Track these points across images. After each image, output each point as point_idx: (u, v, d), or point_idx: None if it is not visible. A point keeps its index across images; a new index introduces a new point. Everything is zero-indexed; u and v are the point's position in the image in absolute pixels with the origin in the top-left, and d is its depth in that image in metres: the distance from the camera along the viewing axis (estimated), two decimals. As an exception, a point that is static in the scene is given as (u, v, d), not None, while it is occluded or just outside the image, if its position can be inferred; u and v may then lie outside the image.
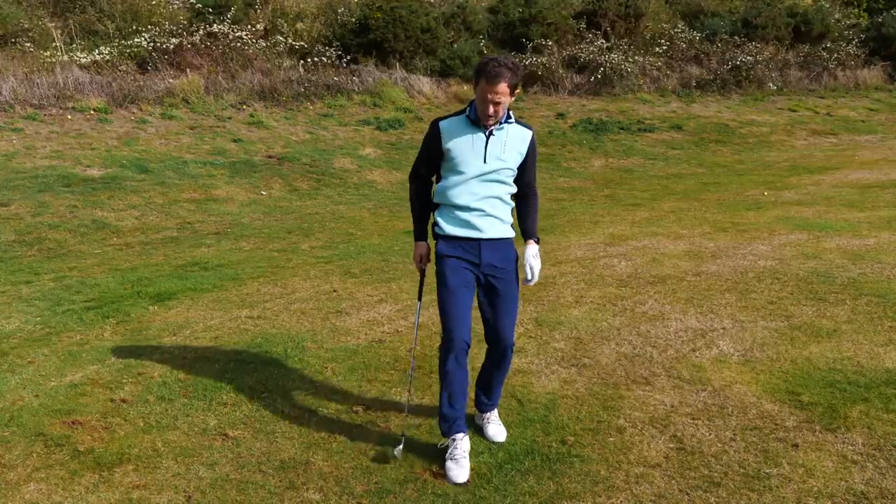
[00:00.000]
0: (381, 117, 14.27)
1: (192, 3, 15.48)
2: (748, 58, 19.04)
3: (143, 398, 4.04)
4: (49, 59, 12.95)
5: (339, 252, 7.44)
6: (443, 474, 3.20)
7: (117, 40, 14.14)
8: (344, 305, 5.57)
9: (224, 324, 5.25)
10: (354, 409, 3.85)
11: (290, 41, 15.50)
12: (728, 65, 18.98)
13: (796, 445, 3.32)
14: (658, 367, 4.21)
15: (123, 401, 4.02)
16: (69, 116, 11.93)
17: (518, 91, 3.13)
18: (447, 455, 3.27)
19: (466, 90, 16.01)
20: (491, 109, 3.06)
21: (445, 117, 3.25)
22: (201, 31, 14.44)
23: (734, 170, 12.76)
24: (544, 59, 16.97)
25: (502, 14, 18.06)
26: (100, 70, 13.28)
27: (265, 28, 15.60)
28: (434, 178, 3.39)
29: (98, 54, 13.53)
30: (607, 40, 18.16)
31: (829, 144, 15.69)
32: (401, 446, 3.33)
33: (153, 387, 4.19)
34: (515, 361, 4.37)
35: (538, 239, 3.40)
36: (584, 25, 18.70)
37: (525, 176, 3.31)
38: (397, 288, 5.95)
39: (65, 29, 14.41)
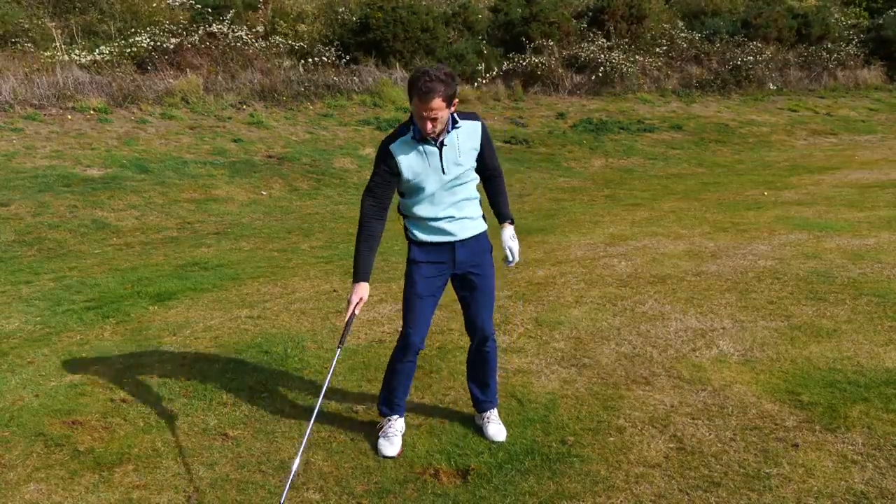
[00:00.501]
0: (381, 117, 14.27)
1: (191, 3, 15.48)
2: (748, 58, 19.04)
3: (143, 398, 4.04)
4: (49, 59, 12.95)
5: (339, 252, 7.44)
6: (439, 474, 3.21)
7: (117, 40, 14.14)
8: (344, 305, 5.57)
9: (224, 324, 5.25)
10: (354, 409, 3.85)
11: (290, 41, 15.49)
12: (728, 65, 18.99)
13: (796, 445, 3.32)
14: (658, 367, 4.21)
15: (123, 401, 4.02)
16: (69, 116, 11.93)
17: (456, 101, 3.03)
18: (381, 433, 3.45)
19: (467, 90, 16.02)
20: (429, 126, 2.99)
21: (392, 138, 3.13)
22: (201, 31, 14.44)
23: (734, 170, 12.77)
24: (544, 59, 16.97)
25: (503, 13, 18.06)
26: (100, 70, 13.28)
27: (265, 28, 15.60)
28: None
29: (98, 54, 13.53)
30: (609, 40, 18.16)
31: (829, 144, 15.69)
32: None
33: (153, 387, 4.19)
34: (515, 361, 4.37)
35: (512, 219, 3.42)
36: (585, 25, 18.70)
37: (487, 162, 3.27)
38: (397, 288, 5.95)
39: (65, 29, 14.41)
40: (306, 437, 3.10)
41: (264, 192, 10.43)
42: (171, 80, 13.48)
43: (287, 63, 15.13)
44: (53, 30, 13.99)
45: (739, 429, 3.49)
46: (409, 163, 3.11)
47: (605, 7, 18.63)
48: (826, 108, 18.60)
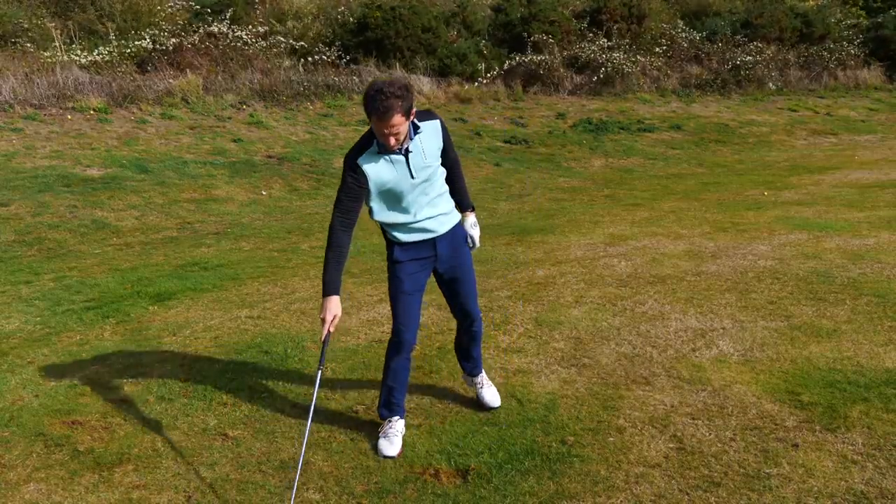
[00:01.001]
0: (381, 117, 14.25)
1: (191, 4, 15.48)
2: (748, 58, 19.04)
3: (143, 398, 4.04)
4: (49, 60, 12.95)
5: (339, 252, 7.43)
6: (439, 474, 3.21)
7: (117, 40, 14.13)
8: (344, 305, 5.56)
9: (224, 324, 5.25)
10: (354, 409, 3.86)
11: (290, 41, 15.49)
12: (728, 65, 18.98)
13: (796, 445, 3.32)
14: (658, 367, 4.21)
15: (123, 401, 4.02)
16: (69, 116, 11.93)
17: (414, 111, 3.06)
18: (381, 433, 3.48)
19: (467, 89, 16.02)
20: (392, 141, 3.02)
21: (357, 153, 3.13)
22: (201, 31, 14.44)
23: (734, 170, 12.77)
24: (545, 58, 16.96)
25: (503, 13, 18.06)
26: (100, 70, 13.28)
27: (265, 28, 15.59)
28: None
29: (98, 54, 13.53)
30: (609, 40, 18.16)
31: (829, 144, 15.69)
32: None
33: (153, 387, 4.19)
34: (515, 361, 4.37)
35: (473, 207, 3.56)
36: (585, 25, 18.70)
37: (448, 155, 3.33)
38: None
39: (65, 29, 14.41)
40: (304, 445, 3.10)
41: (264, 192, 10.43)
42: (170, 80, 13.48)
43: (287, 63, 15.13)
44: (53, 30, 13.99)
45: (739, 429, 3.49)
46: (378, 173, 3.12)
47: (603, 7, 18.62)
48: (826, 108, 18.60)
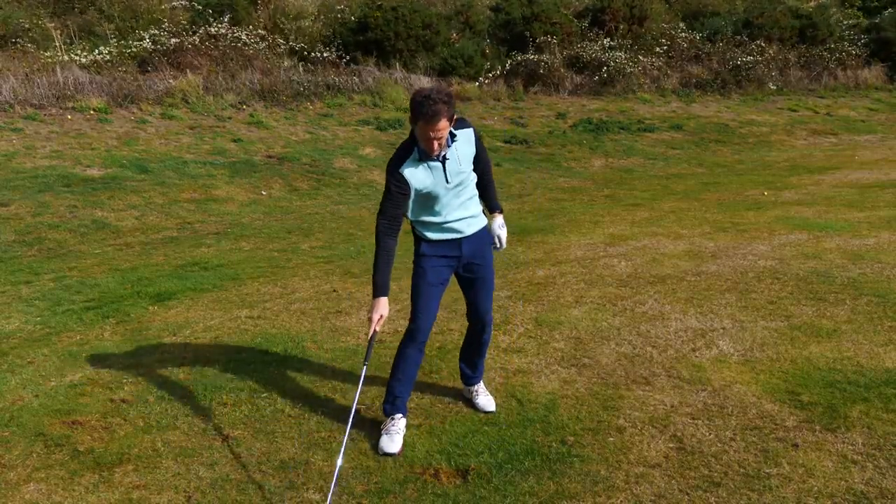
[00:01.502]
0: (381, 117, 14.27)
1: (192, 3, 15.48)
2: (749, 58, 19.04)
3: (143, 398, 4.04)
4: (49, 60, 12.95)
5: (339, 252, 7.44)
6: (439, 474, 3.21)
7: (117, 40, 14.13)
8: (344, 305, 5.57)
9: (224, 324, 5.25)
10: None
11: (291, 41, 15.49)
12: (728, 65, 18.98)
13: (796, 445, 3.32)
14: (658, 367, 4.21)
15: (123, 401, 4.02)
16: (69, 116, 11.93)
17: (455, 116, 3.24)
18: (384, 430, 3.52)
19: (468, 89, 16.01)
20: (435, 145, 3.20)
21: (400, 161, 3.28)
22: (201, 31, 14.44)
23: (734, 170, 12.76)
24: (546, 58, 16.95)
25: (504, 13, 18.05)
26: (100, 70, 13.28)
27: (266, 28, 15.59)
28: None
29: (98, 54, 13.52)
30: (611, 40, 18.16)
31: (829, 144, 15.69)
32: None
33: (153, 387, 4.19)
34: (515, 361, 4.38)
35: (501, 209, 3.72)
36: (586, 24, 18.69)
37: (480, 161, 3.50)
38: (397, 288, 5.93)
39: (65, 29, 14.41)
40: (344, 443, 3.16)
41: (264, 192, 10.43)
42: (171, 81, 13.47)
43: (287, 63, 15.12)
44: (53, 30, 13.99)
45: (739, 429, 3.49)
46: (419, 180, 3.31)
47: (606, 7, 18.61)
48: (826, 108, 18.59)
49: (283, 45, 15.35)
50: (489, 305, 3.68)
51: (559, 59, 17.29)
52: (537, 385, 4.05)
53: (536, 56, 16.89)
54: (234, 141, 12.11)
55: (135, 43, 13.96)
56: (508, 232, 3.84)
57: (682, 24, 19.97)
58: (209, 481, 3.23)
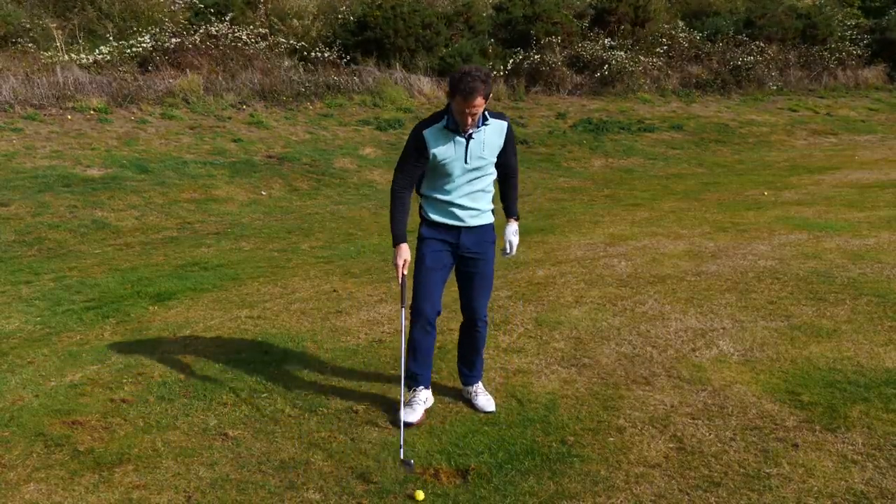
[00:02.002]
0: (381, 117, 14.26)
1: (192, 3, 15.48)
2: (749, 58, 19.03)
3: (143, 398, 4.04)
4: (49, 60, 12.95)
5: (339, 252, 7.44)
6: (439, 474, 3.21)
7: (117, 40, 14.13)
8: (344, 305, 5.57)
9: (224, 324, 5.25)
10: (354, 409, 3.86)
11: (291, 41, 15.49)
12: (729, 65, 18.97)
13: (796, 445, 3.32)
14: (658, 367, 4.21)
15: (123, 401, 4.02)
16: (69, 116, 11.93)
17: (490, 94, 3.32)
18: (405, 402, 3.62)
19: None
20: (469, 121, 3.32)
21: (426, 124, 3.42)
22: (201, 31, 14.44)
23: (734, 170, 12.76)
24: (547, 58, 16.95)
25: (505, 12, 18.05)
26: (100, 70, 13.28)
27: (266, 28, 15.59)
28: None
29: (98, 54, 13.52)
30: (613, 40, 18.16)
31: (829, 144, 15.68)
32: (402, 454, 3.31)
33: (153, 387, 4.19)
34: (515, 361, 4.37)
35: (518, 217, 3.76)
36: (587, 25, 18.68)
37: (506, 160, 3.57)
38: (397, 287, 5.95)
39: (65, 29, 14.41)
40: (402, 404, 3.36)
41: (264, 192, 10.43)
42: (171, 80, 13.47)
43: (287, 63, 15.12)
44: (54, 30, 13.99)
45: (739, 429, 3.49)
46: (439, 148, 3.40)
47: (613, 8, 18.59)
48: (826, 108, 18.59)
49: (284, 44, 15.35)
50: (484, 303, 3.71)
51: (560, 59, 17.28)
52: (537, 385, 4.05)
53: (537, 55, 16.89)
54: (235, 141, 12.11)
55: (135, 42, 13.96)
56: None
57: (682, 24, 19.96)
58: (209, 481, 3.23)
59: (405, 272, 3.50)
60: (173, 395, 4.08)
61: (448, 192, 3.50)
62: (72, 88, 12.42)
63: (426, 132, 3.39)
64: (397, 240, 3.49)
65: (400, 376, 3.59)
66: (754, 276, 5.81)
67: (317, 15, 16.81)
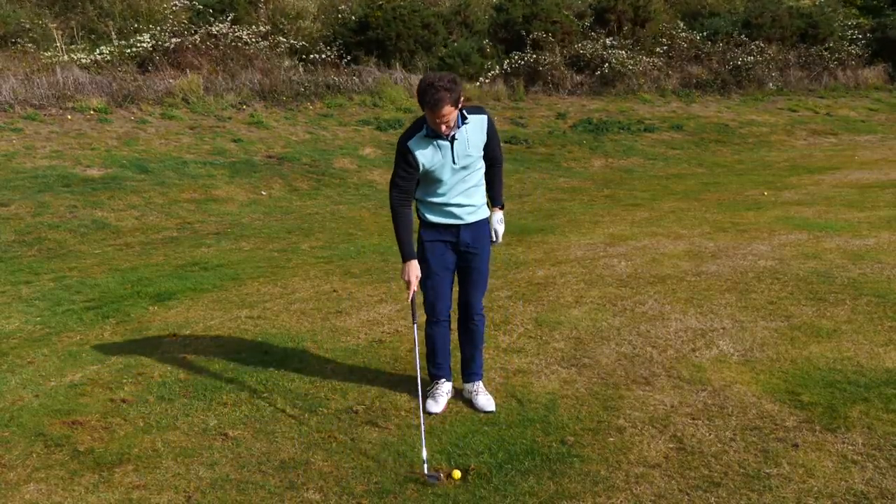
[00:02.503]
0: (381, 117, 14.26)
1: (192, 3, 15.47)
2: (749, 58, 19.03)
3: (143, 398, 4.04)
4: (49, 60, 12.94)
5: (339, 252, 7.44)
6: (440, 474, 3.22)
7: (117, 40, 14.13)
8: (344, 305, 5.57)
9: (224, 324, 5.26)
10: (354, 409, 3.86)
11: (291, 41, 15.49)
12: (728, 65, 18.97)
13: (796, 445, 3.32)
14: (658, 367, 4.21)
15: (123, 401, 4.02)
16: (69, 116, 11.93)
17: (462, 99, 3.37)
18: (428, 394, 3.80)
19: (469, 89, 16.00)
20: (443, 128, 3.37)
21: (409, 135, 3.47)
22: (202, 31, 14.44)
23: (734, 170, 12.76)
24: (546, 58, 16.94)
25: (505, 12, 18.04)
26: (100, 70, 13.28)
27: (266, 28, 15.58)
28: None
29: (98, 54, 13.52)
30: (612, 38, 18.15)
31: (829, 144, 15.68)
32: (425, 465, 3.30)
33: (153, 387, 4.19)
34: (515, 361, 4.37)
35: (503, 205, 3.84)
36: (587, 24, 18.68)
37: (491, 152, 3.63)
38: (397, 288, 5.95)
39: (66, 29, 14.41)
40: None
41: (264, 192, 10.43)
42: (171, 80, 13.47)
43: (287, 63, 15.12)
44: (55, 30, 13.99)
45: (739, 429, 3.49)
46: (425, 156, 3.45)
47: (612, 7, 18.58)
48: (826, 108, 18.58)
49: (284, 44, 15.34)
50: (480, 297, 3.80)
51: (559, 59, 17.28)
52: (537, 385, 4.05)
53: (536, 55, 16.88)
54: (235, 141, 12.11)
55: (136, 39, 13.95)
56: (508, 232, 3.90)
57: (682, 24, 19.95)
58: (209, 481, 3.23)
59: (416, 288, 3.57)
60: (173, 395, 4.08)
61: (443, 195, 3.56)
62: (72, 88, 12.42)
63: (410, 143, 3.44)
64: (406, 256, 3.55)
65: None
66: (754, 277, 5.81)
67: (317, 15, 16.80)
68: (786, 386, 3.90)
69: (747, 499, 2.96)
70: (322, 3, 17.18)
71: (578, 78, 17.57)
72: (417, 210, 3.67)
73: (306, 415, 3.80)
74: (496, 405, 3.80)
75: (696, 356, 4.34)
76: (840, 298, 5.18)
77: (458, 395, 3.95)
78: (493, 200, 3.80)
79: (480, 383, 3.89)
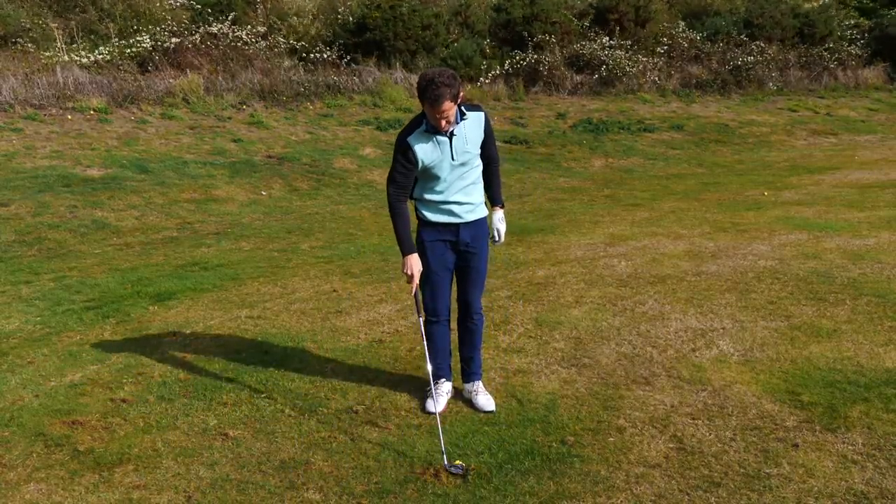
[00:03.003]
0: (381, 117, 14.26)
1: (192, 3, 15.47)
2: (749, 58, 19.03)
3: (143, 398, 4.05)
4: (49, 60, 12.94)
5: (339, 252, 7.44)
6: (440, 474, 3.21)
7: (118, 40, 14.13)
8: (344, 305, 5.57)
9: (224, 324, 5.26)
10: (354, 409, 3.86)
11: (291, 41, 15.49)
12: (729, 65, 18.97)
13: (796, 445, 3.32)
14: (658, 367, 4.21)
15: (123, 401, 4.02)
16: (69, 116, 11.93)
17: (462, 95, 3.40)
18: (427, 393, 3.81)
19: (469, 89, 16.00)
20: (443, 123, 3.40)
21: (408, 132, 3.50)
22: (202, 31, 14.43)
23: (734, 170, 12.76)
24: (546, 58, 16.94)
25: (504, 12, 18.04)
26: (100, 70, 13.28)
27: (265, 28, 15.58)
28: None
29: (98, 54, 13.52)
30: (611, 39, 18.16)
31: (829, 144, 15.68)
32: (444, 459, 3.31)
33: (153, 387, 4.19)
34: (515, 361, 4.37)
35: (503, 204, 3.85)
36: (587, 24, 18.67)
37: (487, 150, 3.65)
38: (397, 288, 5.95)
39: (66, 29, 14.41)
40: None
41: (264, 192, 10.43)
42: (171, 80, 13.47)
43: (287, 63, 15.12)
44: (55, 30, 13.98)
45: (739, 429, 3.49)
46: (424, 152, 3.47)
47: (613, 7, 18.58)
48: (826, 108, 18.58)
49: (284, 44, 15.34)
50: (478, 296, 3.81)
51: (559, 59, 17.27)
52: (537, 385, 4.05)
53: (536, 55, 16.88)
54: (234, 141, 12.11)
55: (136, 39, 13.95)
56: (508, 232, 3.89)
57: (682, 24, 19.95)
58: (209, 481, 3.23)
59: (417, 282, 3.59)
60: (173, 395, 4.08)
61: (441, 192, 3.57)
62: (72, 88, 12.42)
63: (410, 139, 3.46)
64: (406, 250, 3.57)
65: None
66: (754, 276, 5.81)
67: (316, 15, 16.80)
68: (786, 386, 3.90)
69: (747, 499, 2.96)
70: (321, 3, 17.17)
71: (578, 78, 17.57)
72: (416, 210, 3.68)
73: (306, 415, 3.80)
74: (496, 405, 3.80)
75: (696, 356, 4.34)
76: (840, 298, 5.18)
77: (459, 395, 3.95)
78: (493, 200, 3.81)
79: (480, 383, 3.89)
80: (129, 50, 13.85)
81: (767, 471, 3.13)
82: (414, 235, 3.66)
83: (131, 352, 4.75)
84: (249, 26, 15.18)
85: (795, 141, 15.90)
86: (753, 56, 19.16)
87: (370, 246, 7.69)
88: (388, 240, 7.92)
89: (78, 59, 13.22)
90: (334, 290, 5.99)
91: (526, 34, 17.23)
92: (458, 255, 3.71)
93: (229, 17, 15.03)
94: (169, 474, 3.29)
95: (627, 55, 17.72)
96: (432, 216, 3.63)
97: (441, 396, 3.83)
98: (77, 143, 10.95)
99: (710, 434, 3.46)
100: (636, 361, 4.30)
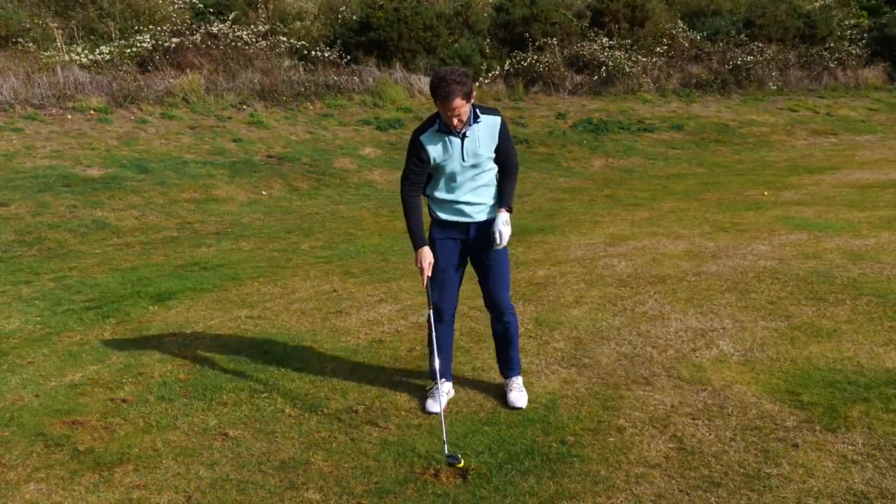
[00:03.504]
0: (382, 117, 14.26)
1: (192, 3, 15.47)
2: (749, 57, 19.03)
3: (143, 398, 4.05)
4: (49, 59, 12.94)
5: (339, 252, 7.44)
6: (440, 474, 3.21)
7: (118, 40, 14.13)
8: (344, 305, 5.57)
9: (224, 324, 5.26)
10: (354, 409, 3.86)
11: (291, 41, 15.49)
12: (729, 65, 18.97)
13: (796, 445, 3.32)
14: (658, 367, 4.21)
15: (123, 401, 4.02)
16: (69, 116, 11.93)
17: (474, 93, 3.43)
18: (428, 393, 3.84)
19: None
20: (455, 121, 3.43)
21: (422, 130, 3.54)
22: (202, 31, 14.43)
23: (734, 170, 12.76)
24: (546, 58, 16.94)
25: (504, 13, 18.05)
26: (100, 70, 13.28)
27: (266, 28, 15.58)
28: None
29: (99, 54, 13.52)
30: (611, 39, 18.16)
31: (829, 144, 15.68)
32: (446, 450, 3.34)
33: (153, 387, 4.19)
34: (515, 361, 4.37)
35: (510, 208, 3.76)
36: (587, 25, 18.68)
37: (503, 155, 3.66)
38: (397, 288, 5.95)
39: (66, 29, 14.41)
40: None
41: (264, 192, 10.44)
42: (171, 80, 13.47)
43: (287, 63, 15.12)
44: (55, 30, 13.98)
45: (739, 429, 3.49)
46: (436, 151, 3.52)
47: (605, 8, 18.60)
48: (826, 108, 18.58)
49: (284, 44, 15.34)
50: (505, 294, 3.76)
51: (559, 59, 17.28)
52: (537, 385, 4.05)
53: (537, 56, 16.88)
54: (235, 141, 12.11)
55: (136, 38, 13.94)
56: None
57: (682, 24, 19.95)
58: (209, 481, 3.23)
59: (429, 274, 3.60)
60: (173, 395, 4.08)
61: (452, 191, 3.61)
62: (72, 88, 12.42)
63: (423, 137, 3.51)
64: (418, 244, 3.60)
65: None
66: (754, 276, 5.81)
67: (317, 15, 16.80)
68: (786, 386, 3.89)
69: (747, 499, 2.96)
70: (322, 3, 17.17)
71: (578, 78, 17.57)
72: (429, 207, 3.73)
73: (306, 415, 3.80)
74: (496, 405, 3.80)
75: (696, 356, 4.34)
76: (840, 298, 5.18)
77: (458, 395, 3.95)
78: (501, 202, 3.75)
79: (518, 379, 3.89)
80: (129, 50, 13.85)
81: (767, 471, 3.13)
82: (427, 234, 3.69)
83: (131, 352, 4.75)
84: (251, 26, 15.17)
85: (795, 141, 15.90)
86: (753, 56, 19.16)
87: (370, 246, 7.69)
88: (388, 240, 7.92)
89: (78, 58, 13.23)
90: (334, 290, 5.99)
91: (526, 34, 17.24)
92: (472, 255, 3.72)
93: (230, 17, 15.03)
94: (169, 474, 3.29)
95: (627, 55, 17.72)
96: (443, 215, 3.66)
97: (441, 397, 3.82)
98: (77, 143, 10.96)
99: (710, 434, 3.45)
100: (636, 361, 4.30)
